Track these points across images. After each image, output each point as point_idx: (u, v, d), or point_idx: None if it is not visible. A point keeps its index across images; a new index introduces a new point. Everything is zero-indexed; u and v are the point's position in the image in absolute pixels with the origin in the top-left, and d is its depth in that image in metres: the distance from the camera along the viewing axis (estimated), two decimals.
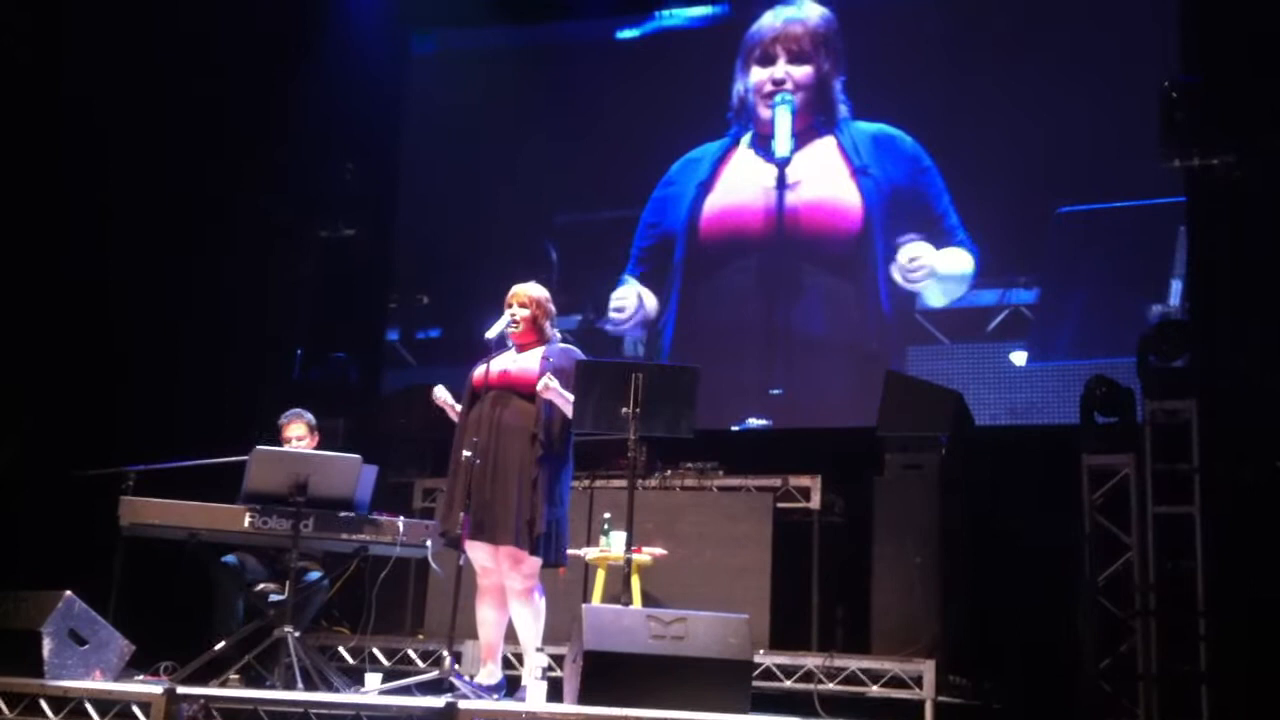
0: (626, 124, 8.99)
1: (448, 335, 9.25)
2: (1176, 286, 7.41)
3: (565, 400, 5.26)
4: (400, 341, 9.42)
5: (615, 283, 8.83)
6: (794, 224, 8.47)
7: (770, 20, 8.82)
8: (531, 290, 5.54)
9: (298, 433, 6.34)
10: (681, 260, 8.73)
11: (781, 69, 8.64)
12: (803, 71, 8.62)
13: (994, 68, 8.20)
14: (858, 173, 8.37)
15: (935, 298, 8.07)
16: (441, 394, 5.47)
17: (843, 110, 8.52)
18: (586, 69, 9.31)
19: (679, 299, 8.70)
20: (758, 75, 8.73)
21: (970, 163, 8.14)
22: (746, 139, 8.73)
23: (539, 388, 5.26)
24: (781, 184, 8.52)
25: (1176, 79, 7.12)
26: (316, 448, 6.29)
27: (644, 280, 8.83)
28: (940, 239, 8.09)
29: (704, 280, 8.69)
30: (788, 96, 8.58)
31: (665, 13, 9.24)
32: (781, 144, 8.56)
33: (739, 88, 8.80)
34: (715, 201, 8.72)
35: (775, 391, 8.34)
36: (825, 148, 8.51)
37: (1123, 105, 7.66)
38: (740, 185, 8.68)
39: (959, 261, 8.03)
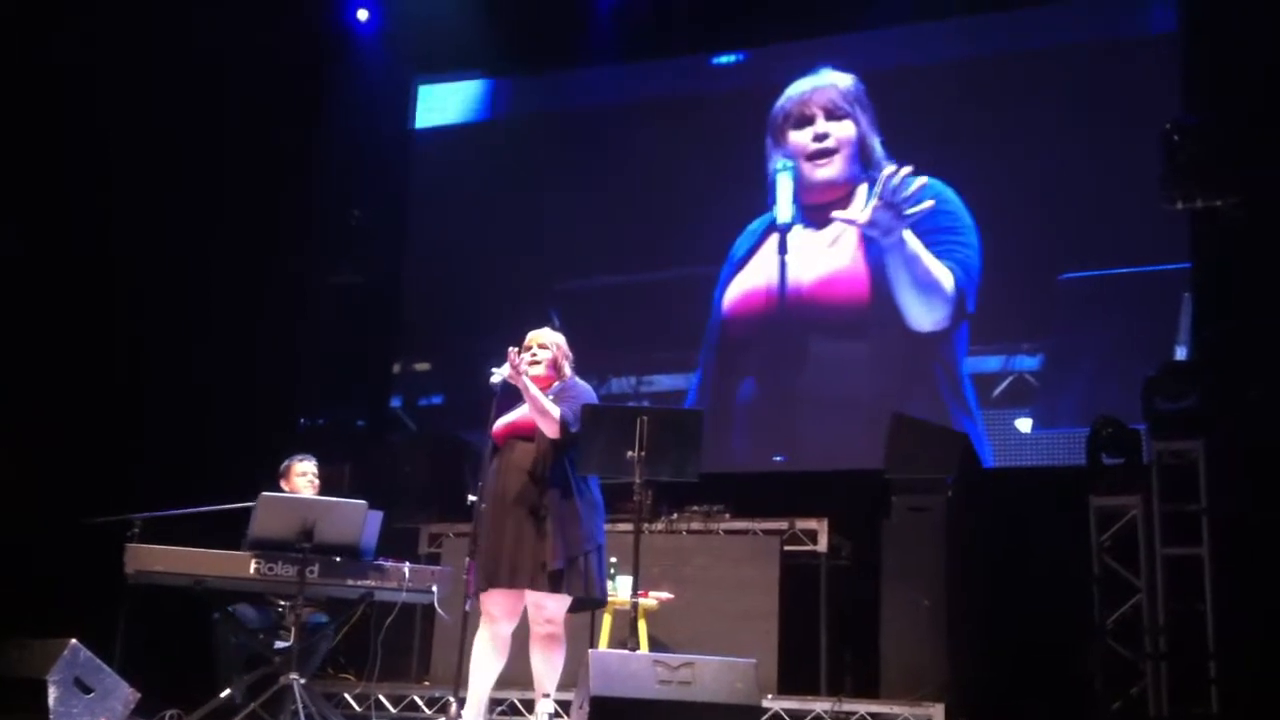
0: (630, 190, 8.96)
1: (450, 402, 9.23)
2: (1181, 353, 7.31)
3: (531, 395, 5.07)
4: (403, 409, 9.42)
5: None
6: (797, 295, 8.40)
7: (796, 89, 8.67)
8: (549, 334, 5.42)
9: (311, 469, 6.34)
10: (714, 345, 8.63)
11: (822, 125, 8.51)
12: (843, 128, 8.48)
13: (989, 134, 8.12)
14: (866, 237, 8.22)
15: (916, 310, 8.00)
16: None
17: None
18: (589, 135, 9.25)
19: (701, 383, 8.61)
20: (797, 138, 8.59)
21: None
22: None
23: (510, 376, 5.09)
24: (782, 249, 8.43)
25: (1178, 120, 7.11)
26: (318, 494, 6.27)
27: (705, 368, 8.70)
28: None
29: (727, 364, 8.59)
30: (788, 163, 8.49)
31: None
32: (783, 210, 8.47)
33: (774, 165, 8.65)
34: (738, 283, 8.61)
35: (778, 458, 8.27)
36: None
37: (1126, 167, 7.56)
38: (759, 263, 8.56)
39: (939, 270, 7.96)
